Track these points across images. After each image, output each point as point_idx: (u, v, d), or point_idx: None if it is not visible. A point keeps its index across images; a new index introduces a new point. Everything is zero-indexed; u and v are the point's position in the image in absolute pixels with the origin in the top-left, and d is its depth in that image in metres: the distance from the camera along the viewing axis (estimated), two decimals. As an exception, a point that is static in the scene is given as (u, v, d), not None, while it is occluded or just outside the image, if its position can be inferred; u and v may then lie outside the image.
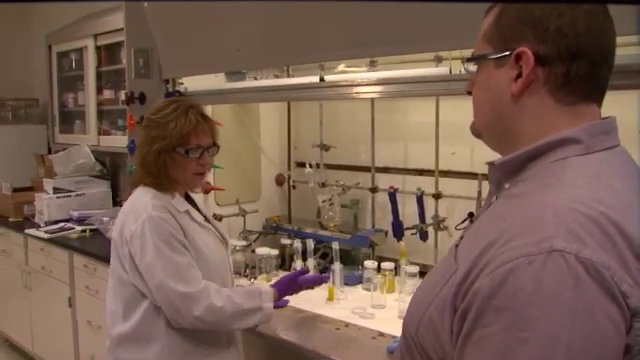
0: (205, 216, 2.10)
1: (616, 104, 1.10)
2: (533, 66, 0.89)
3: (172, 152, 1.89)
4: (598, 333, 0.74)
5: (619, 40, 0.94)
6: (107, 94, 4.36)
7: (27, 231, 4.08)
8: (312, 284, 2.25)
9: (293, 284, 2.16)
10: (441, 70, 2.17)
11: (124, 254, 1.86)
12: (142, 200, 1.88)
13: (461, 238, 0.99)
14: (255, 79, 2.91)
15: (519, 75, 0.90)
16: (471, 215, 1.95)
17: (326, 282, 2.47)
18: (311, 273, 2.47)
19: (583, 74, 0.89)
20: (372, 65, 2.51)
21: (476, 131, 1.03)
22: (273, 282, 2.21)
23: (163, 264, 1.79)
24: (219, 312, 1.84)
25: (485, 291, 0.78)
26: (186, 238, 1.88)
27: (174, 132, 1.88)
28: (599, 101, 0.93)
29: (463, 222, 2.02)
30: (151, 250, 1.80)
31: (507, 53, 0.92)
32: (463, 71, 1.81)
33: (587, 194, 0.82)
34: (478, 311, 0.79)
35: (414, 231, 2.70)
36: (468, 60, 1.00)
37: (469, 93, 1.03)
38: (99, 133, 4.44)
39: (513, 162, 0.93)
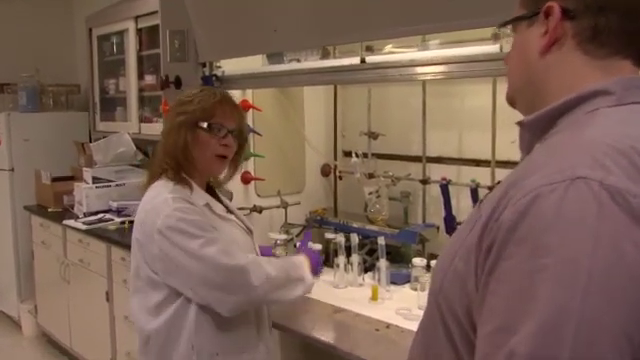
0: (227, 207, 2.12)
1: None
2: (559, 20, 0.93)
3: (194, 127, 1.93)
4: (624, 263, 0.74)
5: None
6: (149, 79, 4.44)
7: (65, 222, 4.22)
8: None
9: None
10: (498, 48, 2.09)
11: (152, 254, 1.88)
12: (161, 196, 1.91)
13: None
14: (298, 61, 2.92)
15: (547, 31, 0.95)
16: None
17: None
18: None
19: (613, 28, 0.92)
20: (423, 44, 2.49)
21: (510, 97, 1.07)
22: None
23: (205, 246, 1.82)
24: (273, 281, 1.91)
25: (507, 223, 0.80)
26: None
27: (198, 105, 1.93)
28: (634, 57, 0.95)
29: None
30: (187, 239, 1.82)
31: (536, 11, 0.96)
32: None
33: (617, 131, 0.84)
34: (500, 244, 0.81)
35: (468, 226, 2.66)
36: (501, 25, 1.06)
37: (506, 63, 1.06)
38: (140, 120, 4.53)
39: (543, 118, 0.95)
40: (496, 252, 0.81)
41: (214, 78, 2.91)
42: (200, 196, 1.98)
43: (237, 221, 2.10)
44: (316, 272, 2.19)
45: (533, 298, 0.75)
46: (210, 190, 2.10)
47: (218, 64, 2.97)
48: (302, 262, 2.05)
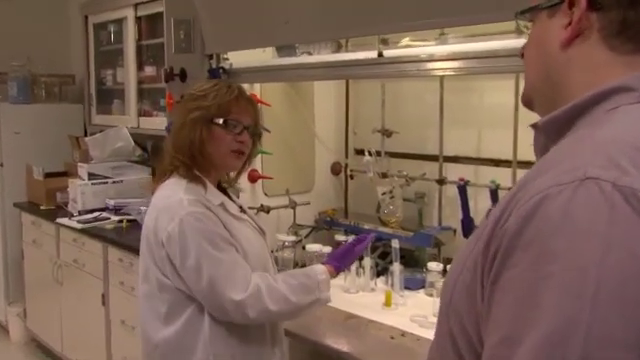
0: (240, 206, 2.17)
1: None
2: (585, 11, 0.91)
3: (210, 124, 1.98)
4: (637, 271, 0.72)
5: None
6: (148, 71, 4.50)
7: (59, 220, 4.25)
8: (366, 248, 2.33)
9: (351, 255, 2.22)
10: (522, 42, 2.16)
11: (161, 257, 1.93)
12: (175, 195, 1.94)
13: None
14: (309, 54, 2.97)
15: (570, 23, 0.93)
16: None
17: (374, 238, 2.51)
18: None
19: None
20: (441, 38, 2.53)
21: (527, 97, 1.04)
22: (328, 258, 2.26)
23: (208, 267, 1.86)
24: (275, 315, 1.95)
25: (512, 228, 0.79)
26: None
27: (214, 101, 1.98)
28: None
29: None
30: (193, 252, 1.87)
31: (559, 0, 0.94)
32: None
33: (637, 128, 0.82)
34: (505, 251, 0.80)
35: (487, 230, 2.70)
36: (519, 14, 1.04)
37: (522, 56, 1.05)
38: (139, 114, 4.58)
39: (559, 119, 0.93)
40: (501, 259, 0.80)
41: (221, 71, 2.96)
42: (215, 195, 2.02)
43: (250, 221, 2.15)
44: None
45: (538, 307, 0.74)
46: (221, 189, 2.13)
47: (225, 56, 3.02)
48: (325, 282, 2.05)
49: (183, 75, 3.06)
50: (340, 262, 2.15)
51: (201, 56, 3.03)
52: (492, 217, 0.85)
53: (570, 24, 0.92)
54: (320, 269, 2.08)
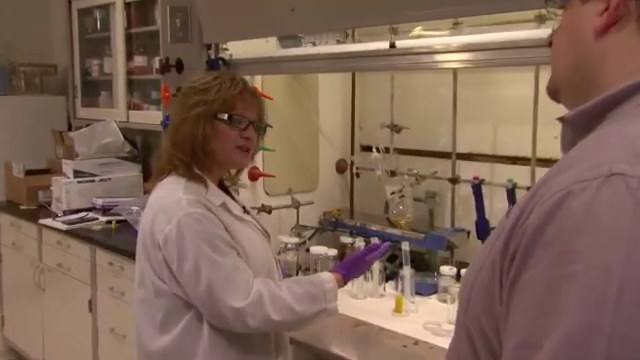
0: (243, 207, 2.18)
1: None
2: None
3: (213, 120, 1.99)
4: None
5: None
6: (139, 61, 4.51)
7: (42, 221, 4.26)
8: (378, 258, 2.34)
9: (361, 264, 2.22)
10: (544, 32, 2.14)
11: (158, 260, 1.95)
12: (173, 195, 1.95)
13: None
14: (313, 45, 2.99)
15: (606, 9, 0.92)
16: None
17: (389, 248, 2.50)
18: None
19: None
20: (456, 27, 2.57)
21: (553, 87, 1.05)
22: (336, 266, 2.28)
23: (207, 271, 1.87)
24: (277, 325, 1.97)
25: (533, 226, 0.80)
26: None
27: (217, 95, 1.99)
28: None
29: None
30: (191, 255, 1.88)
31: None
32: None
33: None
34: (525, 250, 0.81)
35: (503, 232, 2.72)
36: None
37: (550, 45, 1.05)
38: (129, 107, 4.59)
39: (589, 112, 0.93)
40: (520, 259, 0.81)
41: (220, 62, 2.98)
42: (216, 195, 2.03)
43: (254, 222, 2.17)
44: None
45: (559, 308, 0.75)
46: (222, 188, 2.15)
47: (225, 46, 3.03)
48: (332, 291, 2.05)
49: (180, 66, 3.06)
50: (349, 271, 2.16)
51: (199, 46, 3.03)
52: (512, 215, 0.86)
53: (606, 10, 0.92)
54: (327, 277, 2.09)
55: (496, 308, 0.87)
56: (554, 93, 1.05)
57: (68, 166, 4.43)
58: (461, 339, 0.98)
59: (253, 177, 3.15)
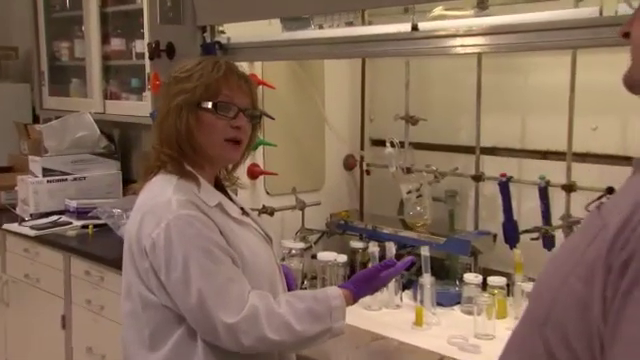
0: (242, 208, 2.20)
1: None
2: None
3: (197, 109, 2.01)
4: None
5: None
6: (116, 44, 4.51)
7: (5, 226, 4.25)
8: (396, 275, 2.35)
9: (375, 281, 2.21)
10: (583, 12, 2.15)
11: (145, 269, 1.97)
12: (162, 195, 1.98)
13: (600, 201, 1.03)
14: (320, 27, 3.01)
15: None
16: (610, 191, 1.97)
17: (412, 265, 2.51)
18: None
19: None
20: (481, 7, 2.58)
21: (632, 79, 1.09)
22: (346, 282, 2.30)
23: (198, 282, 1.88)
24: (275, 345, 1.97)
25: None
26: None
27: (199, 82, 2.00)
28: None
29: (599, 199, 2.07)
30: (181, 263, 1.89)
31: None
32: (620, 11, 1.83)
33: None
34: None
35: (535, 235, 2.73)
36: None
37: (625, 35, 1.08)
38: (105, 97, 4.59)
39: None
40: (636, 268, 0.83)
41: (217, 47, 2.99)
42: (210, 194, 2.05)
43: (254, 225, 2.19)
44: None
45: None
46: (219, 187, 2.17)
47: (222, 28, 3.05)
48: (338, 309, 2.03)
49: (171, 51, 3.06)
50: (359, 288, 2.14)
51: (192, 28, 3.02)
52: (612, 219, 0.88)
53: None
54: (334, 293, 2.07)
55: (591, 320, 0.90)
56: (632, 85, 1.09)
57: (36, 163, 4.42)
58: (534, 354, 1.00)
59: (253, 175, 3.18)
